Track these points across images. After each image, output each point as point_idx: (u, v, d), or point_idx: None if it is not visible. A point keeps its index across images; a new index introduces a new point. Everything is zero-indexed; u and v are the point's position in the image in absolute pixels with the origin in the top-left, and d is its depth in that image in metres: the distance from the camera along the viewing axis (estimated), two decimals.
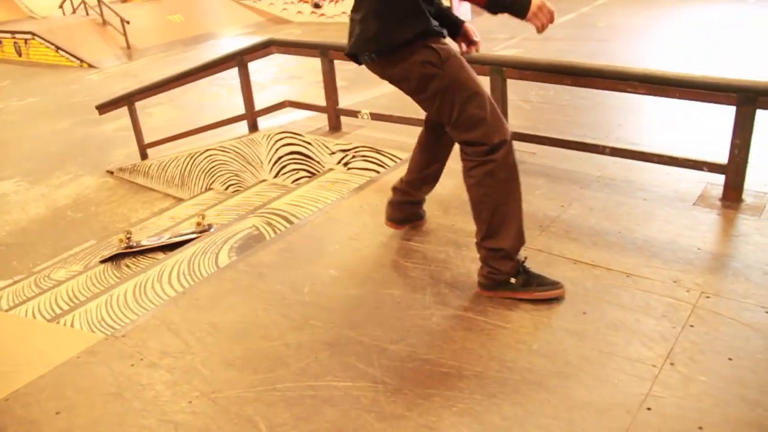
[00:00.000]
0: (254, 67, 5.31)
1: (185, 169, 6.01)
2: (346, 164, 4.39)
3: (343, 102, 4.80)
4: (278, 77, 10.42)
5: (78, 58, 14.07)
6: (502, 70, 3.73)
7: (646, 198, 3.33)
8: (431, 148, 3.00)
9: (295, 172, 4.80)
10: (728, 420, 1.91)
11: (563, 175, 3.67)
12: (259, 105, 5.41)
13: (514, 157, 2.62)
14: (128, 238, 4.47)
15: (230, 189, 5.50)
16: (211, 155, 5.60)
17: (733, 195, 3.22)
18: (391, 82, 2.68)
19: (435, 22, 2.55)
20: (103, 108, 7.23)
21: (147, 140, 7.04)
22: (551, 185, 3.55)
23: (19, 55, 15.34)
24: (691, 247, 2.84)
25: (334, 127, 4.65)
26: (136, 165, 6.93)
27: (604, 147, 3.58)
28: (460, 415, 2.02)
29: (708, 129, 4.38)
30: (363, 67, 2.75)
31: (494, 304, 2.57)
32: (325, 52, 4.45)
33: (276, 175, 4.99)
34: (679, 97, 3.23)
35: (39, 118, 10.50)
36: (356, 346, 2.39)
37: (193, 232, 4.30)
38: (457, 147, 2.70)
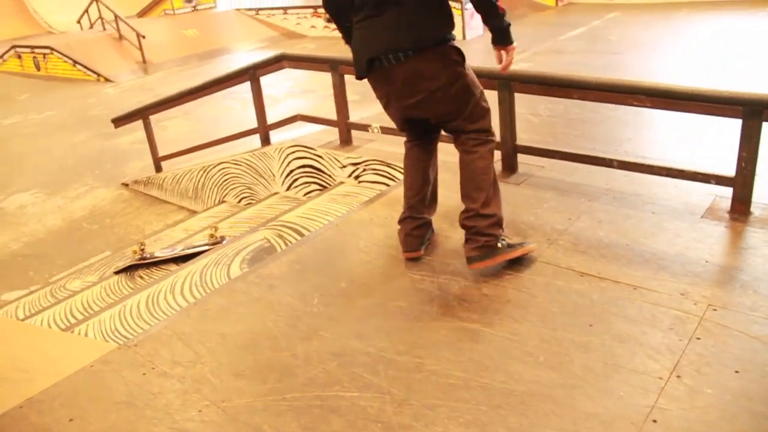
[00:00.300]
0: (269, 81, 5.38)
1: (199, 181, 6.07)
2: (356, 177, 4.43)
3: (354, 116, 4.85)
4: (292, 91, 10.51)
5: (95, 72, 14.24)
6: (510, 84, 3.76)
7: (654, 211, 3.34)
8: (422, 166, 3.17)
9: (306, 185, 4.85)
10: None
11: (572, 188, 3.69)
12: (273, 118, 5.47)
13: None
14: (142, 250, 4.53)
15: (243, 202, 5.55)
16: (224, 168, 5.66)
17: (741, 208, 3.22)
18: (412, 81, 2.80)
19: None
20: (119, 121, 7.32)
21: (161, 153, 7.13)
22: (560, 198, 3.56)
23: (38, 69, 15.54)
24: (699, 260, 2.85)
25: (345, 140, 4.70)
26: (150, 177, 7.01)
27: (612, 160, 3.60)
28: (466, 426, 2.04)
29: (716, 142, 4.39)
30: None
31: (501, 316, 2.59)
32: (335, 67, 4.51)
33: (288, 188, 5.04)
34: (686, 111, 3.26)
35: (56, 131, 10.63)
36: (364, 357, 2.42)
37: (205, 244, 4.35)
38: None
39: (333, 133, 4.85)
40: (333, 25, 14.03)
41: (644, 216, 3.30)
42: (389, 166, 4.22)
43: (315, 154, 4.69)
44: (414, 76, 2.80)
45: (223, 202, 5.79)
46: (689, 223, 3.19)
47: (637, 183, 3.65)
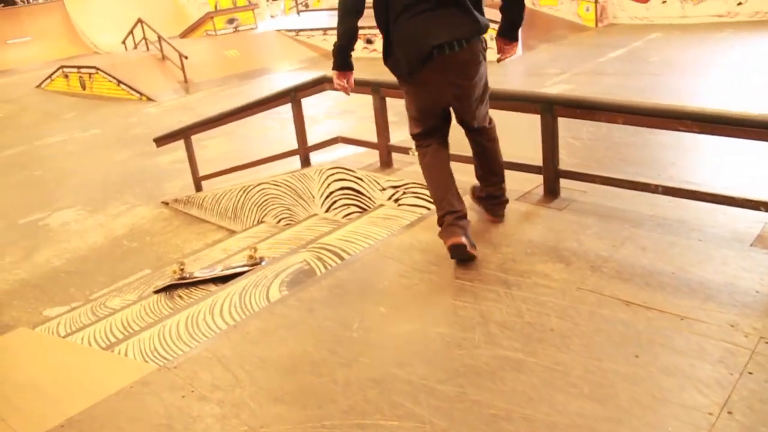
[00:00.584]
0: (308, 101, 5.40)
1: (238, 201, 6.12)
2: (396, 200, 4.42)
3: (394, 137, 4.84)
4: (331, 111, 10.57)
5: (138, 92, 14.51)
6: (553, 107, 3.72)
7: (701, 238, 3.26)
8: (447, 162, 3.45)
9: (346, 207, 4.85)
10: None
11: (615, 213, 3.62)
12: (312, 139, 5.49)
13: None
14: (181, 270, 4.56)
15: (282, 222, 5.57)
16: (263, 189, 5.70)
17: None
18: (466, 66, 3.22)
19: None
20: (161, 141, 7.44)
21: (202, 172, 7.21)
22: (602, 224, 3.50)
23: (83, 88, 15.90)
24: (749, 290, 2.77)
25: (386, 163, 4.69)
26: (190, 197, 7.09)
27: (657, 186, 3.53)
28: None
29: (765, 167, 4.29)
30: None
31: (544, 345, 2.54)
32: (377, 89, 4.52)
33: (327, 210, 5.04)
34: (734, 136, 3.18)
35: (100, 149, 10.84)
36: (404, 385, 2.39)
37: (244, 265, 4.36)
38: None
39: (373, 156, 4.85)
40: (372, 46, 14.11)
41: (690, 243, 3.22)
42: None
43: (355, 177, 4.69)
44: (468, 61, 3.21)
45: (262, 222, 5.82)
46: (738, 251, 3.11)
47: (682, 209, 3.56)
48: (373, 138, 4.81)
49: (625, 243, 3.27)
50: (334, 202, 4.96)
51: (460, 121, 3.47)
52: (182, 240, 6.57)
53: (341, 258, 3.80)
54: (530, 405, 2.21)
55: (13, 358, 3.65)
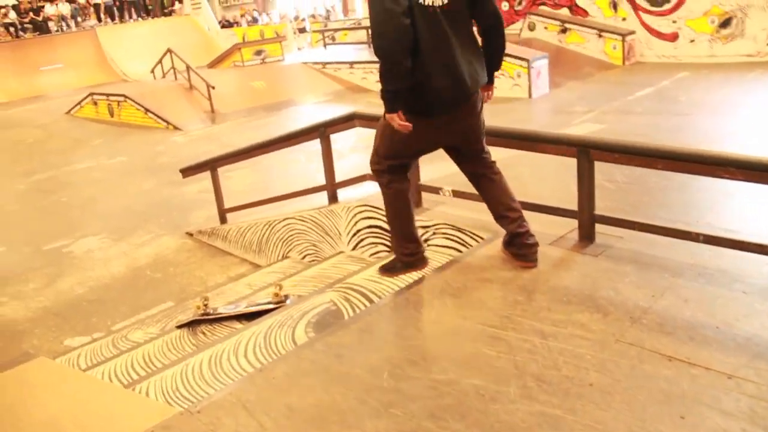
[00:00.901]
0: (334, 135, 5.34)
1: (263, 235, 6.07)
2: (426, 241, 4.33)
3: (424, 175, 4.76)
4: (357, 146, 10.53)
5: (165, 120, 14.62)
6: (589, 151, 3.63)
7: (745, 290, 3.13)
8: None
9: (373, 245, 4.77)
10: None
11: (653, 261, 3.50)
12: (338, 172, 5.41)
13: None
14: (205, 305, 4.49)
15: (307, 258, 5.50)
16: (289, 224, 5.64)
17: None
18: (476, 107, 3.42)
19: None
20: (187, 172, 7.43)
21: (226, 203, 7.17)
22: (640, 273, 3.39)
23: (112, 115, 16.06)
24: None
25: (415, 202, 4.60)
26: (215, 228, 7.05)
27: (698, 234, 3.41)
28: None
29: None
30: None
31: (584, 402, 2.42)
32: None
33: (354, 248, 4.97)
34: None
35: (126, 177, 10.89)
36: None
37: (269, 303, 4.29)
38: None
39: None
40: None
41: (734, 296, 3.10)
42: (461, 231, 4.11)
43: (383, 215, 4.61)
44: (477, 101, 3.41)
45: (287, 257, 5.76)
46: None
47: (724, 258, 3.44)
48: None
49: (665, 293, 3.16)
50: (362, 240, 4.89)
51: (469, 159, 3.58)
52: (206, 272, 6.51)
53: (369, 299, 3.71)
54: None
55: (32, 390, 3.58)
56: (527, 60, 12.61)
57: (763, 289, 3.13)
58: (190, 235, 7.54)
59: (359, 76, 16.36)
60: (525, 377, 2.61)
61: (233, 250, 6.70)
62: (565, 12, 16.24)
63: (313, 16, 26.82)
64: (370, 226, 4.77)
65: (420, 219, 4.39)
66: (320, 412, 2.53)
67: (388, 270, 3.89)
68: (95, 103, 16.71)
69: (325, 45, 20.55)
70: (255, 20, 26.66)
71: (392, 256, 3.94)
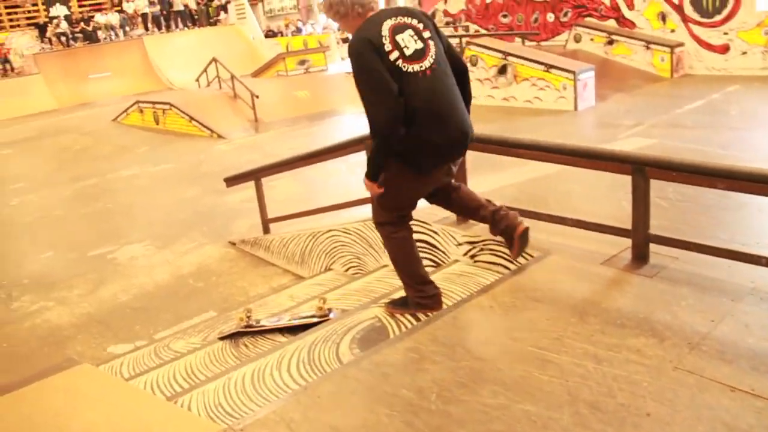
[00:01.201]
0: None
1: (306, 247, 6.03)
2: (472, 257, 4.25)
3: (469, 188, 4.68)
4: None
5: (209, 129, 14.75)
6: (644, 169, 3.51)
7: None
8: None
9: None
10: None
11: (711, 284, 3.36)
12: None
13: None
14: (248, 317, 4.46)
15: (350, 271, 5.45)
16: (333, 236, 5.60)
17: None
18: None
19: None
20: (231, 181, 7.44)
21: (269, 211, 7.15)
22: (698, 295, 3.25)
23: (157, 123, 16.28)
24: None
25: (462, 217, 4.53)
26: (258, 238, 7.05)
27: (761, 257, 3.27)
28: None
29: None
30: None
31: None
32: None
33: None
34: None
35: (169, 185, 10.98)
36: None
37: (313, 316, 4.24)
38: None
39: None
40: None
41: None
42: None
43: (430, 229, 4.55)
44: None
45: (330, 269, 5.71)
46: None
47: None
48: None
49: (725, 318, 3.02)
50: None
51: (442, 189, 3.74)
52: (248, 282, 6.50)
53: (416, 317, 3.63)
54: None
55: (74, 398, 3.57)
56: (573, 72, 12.44)
57: None
58: (233, 244, 7.54)
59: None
60: (578, 404, 2.52)
61: (276, 261, 6.68)
62: (611, 23, 16.03)
63: None
64: (416, 240, 4.69)
65: (467, 235, 4.31)
66: None
67: (398, 306, 3.78)
68: (141, 111, 16.97)
69: None
70: (299, 30, 26.84)
71: (401, 292, 3.87)
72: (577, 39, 16.48)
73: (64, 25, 24.53)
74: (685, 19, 14.64)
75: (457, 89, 3.44)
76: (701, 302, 3.19)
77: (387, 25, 3.26)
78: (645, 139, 9.18)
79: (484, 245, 4.17)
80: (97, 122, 17.95)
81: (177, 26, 26.23)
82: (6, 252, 8.61)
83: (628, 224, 3.69)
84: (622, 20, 15.85)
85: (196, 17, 26.79)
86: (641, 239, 3.62)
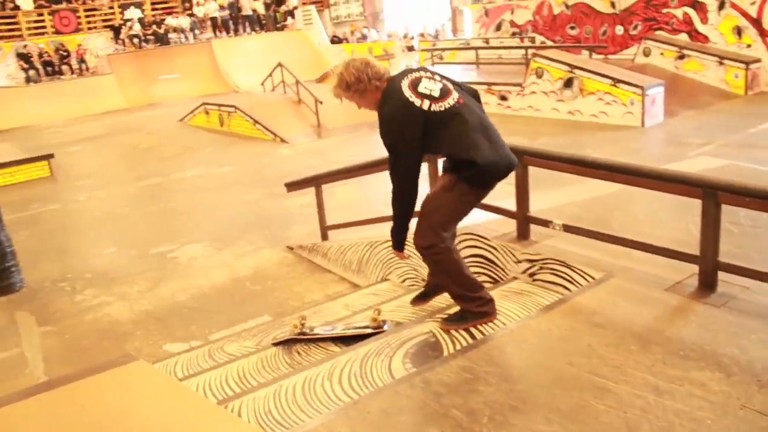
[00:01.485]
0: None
1: (364, 256, 6.02)
2: (531, 275, 4.16)
3: (534, 205, 4.58)
4: None
5: (272, 132, 14.92)
6: (716, 194, 3.37)
7: None
8: None
9: (476, 275, 4.58)
10: None
11: None
12: None
13: None
14: (302, 324, 4.46)
15: (407, 282, 5.41)
16: (391, 246, 5.56)
17: None
18: None
19: None
20: (291, 186, 7.49)
21: (328, 218, 7.17)
22: None
23: (221, 125, 16.57)
24: None
25: (523, 234, 4.43)
26: (315, 245, 7.07)
27: None
28: None
29: None
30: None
31: None
32: (520, 157, 4.28)
33: None
34: None
35: (231, 187, 11.14)
36: None
37: (367, 327, 4.21)
38: None
39: (509, 225, 4.60)
40: (506, 102, 13.95)
41: None
42: (570, 268, 3.92)
43: (489, 245, 4.47)
44: None
45: (387, 280, 5.68)
46: None
47: None
48: (509, 206, 4.58)
49: None
50: None
51: None
52: (304, 288, 6.51)
53: (471, 334, 3.57)
54: None
55: (127, 395, 3.61)
56: (641, 87, 12.16)
57: None
58: (291, 249, 7.58)
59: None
60: None
61: (333, 268, 6.68)
62: (683, 37, 15.61)
63: (422, 35, 26.86)
64: (474, 255, 4.63)
65: (527, 252, 4.22)
66: None
67: (454, 321, 3.74)
68: (207, 113, 17.30)
69: (433, 64, 20.55)
70: (364, 37, 26.98)
71: (455, 307, 3.86)
72: (647, 53, 16.11)
73: (137, 28, 25.24)
74: (763, 33, 14.14)
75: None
76: None
77: (405, 86, 3.51)
78: (715, 159, 8.90)
79: (543, 264, 4.08)
80: (164, 122, 18.38)
81: (245, 30, 26.68)
82: (73, 246, 8.86)
83: (695, 249, 3.55)
84: (694, 34, 15.43)
85: (263, 22, 27.20)
86: (709, 266, 3.48)
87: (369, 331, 4.14)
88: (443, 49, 22.29)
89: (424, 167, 4.39)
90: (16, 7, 24.47)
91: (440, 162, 3.96)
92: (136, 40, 24.98)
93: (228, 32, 26.41)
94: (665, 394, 2.66)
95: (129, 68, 23.50)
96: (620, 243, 3.94)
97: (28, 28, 24.35)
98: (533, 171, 4.32)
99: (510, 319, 3.61)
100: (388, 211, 6.07)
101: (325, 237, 7.15)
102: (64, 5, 25.13)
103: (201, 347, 5.22)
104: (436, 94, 3.50)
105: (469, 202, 3.68)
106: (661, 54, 15.76)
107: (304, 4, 28.40)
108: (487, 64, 18.51)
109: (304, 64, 20.96)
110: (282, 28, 27.08)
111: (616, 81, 12.62)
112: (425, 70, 3.69)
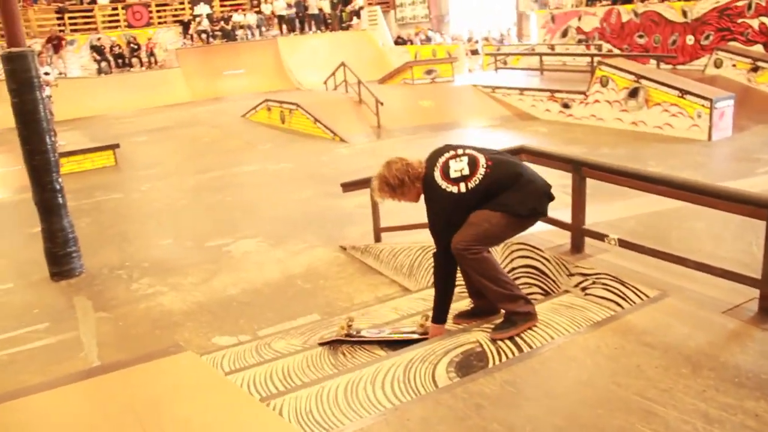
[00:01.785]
0: None
1: (415, 260, 6.00)
2: (584, 289, 4.08)
3: (590, 218, 4.49)
4: None
5: (332, 131, 15.02)
6: None
7: None
8: None
9: (527, 286, 4.56)
10: None
11: None
12: None
13: None
14: (349, 326, 4.47)
15: (457, 290, 5.36)
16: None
17: None
18: None
19: None
20: (348, 187, 7.51)
21: (382, 222, 7.16)
22: None
23: (282, 122, 16.76)
24: None
25: (576, 247, 4.35)
26: (368, 246, 7.07)
27: None
28: None
29: None
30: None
31: None
32: (578, 168, 4.22)
33: None
34: None
35: (288, 184, 11.23)
36: None
37: (413, 332, 4.20)
38: None
39: (563, 237, 4.52)
40: (568, 110, 13.70)
41: None
42: (623, 284, 3.82)
43: (542, 256, 4.40)
44: None
45: None
46: None
47: None
48: (564, 217, 4.50)
49: None
50: (516, 279, 4.67)
51: None
52: (354, 289, 6.52)
53: (517, 346, 3.51)
54: None
55: (175, 386, 3.68)
56: (710, 99, 11.82)
57: None
58: (344, 249, 7.60)
59: (528, 103, 16.05)
60: None
61: (384, 270, 6.68)
62: (758, 48, 15.11)
63: (487, 39, 26.69)
64: (526, 266, 4.56)
65: (580, 266, 4.14)
66: None
67: (503, 329, 3.74)
68: (269, 109, 17.52)
69: (496, 68, 20.41)
70: (428, 39, 26.92)
71: (499, 319, 3.90)
72: (718, 64, 15.65)
73: (205, 23, 25.76)
74: None
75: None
76: None
77: (438, 177, 3.79)
78: None
79: (596, 278, 3.99)
80: (227, 117, 18.70)
81: (310, 29, 26.94)
82: (132, 235, 9.07)
83: (757, 272, 3.42)
84: None
85: (329, 21, 27.42)
86: None
87: (415, 336, 4.13)
88: (507, 54, 22.10)
89: None
90: (93, 1, 25.29)
91: None
92: (204, 36, 25.50)
93: (294, 30, 26.72)
94: (715, 423, 2.56)
95: (195, 63, 24.04)
96: (677, 261, 3.82)
97: (103, 22, 25.14)
98: (591, 181, 4.23)
99: (558, 333, 3.54)
100: None
101: (378, 239, 7.15)
102: (137, 0, 25.83)
103: (249, 342, 5.27)
104: (467, 171, 3.72)
105: (514, 229, 3.88)
106: (734, 65, 15.29)
107: (370, 4, 28.53)
108: (551, 71, 18.26)
109: (367, 65, 21.07)
110: (347, 28, 27.26)
111: (684, 92, 12.30)
112: (449, 149, 3.90)
